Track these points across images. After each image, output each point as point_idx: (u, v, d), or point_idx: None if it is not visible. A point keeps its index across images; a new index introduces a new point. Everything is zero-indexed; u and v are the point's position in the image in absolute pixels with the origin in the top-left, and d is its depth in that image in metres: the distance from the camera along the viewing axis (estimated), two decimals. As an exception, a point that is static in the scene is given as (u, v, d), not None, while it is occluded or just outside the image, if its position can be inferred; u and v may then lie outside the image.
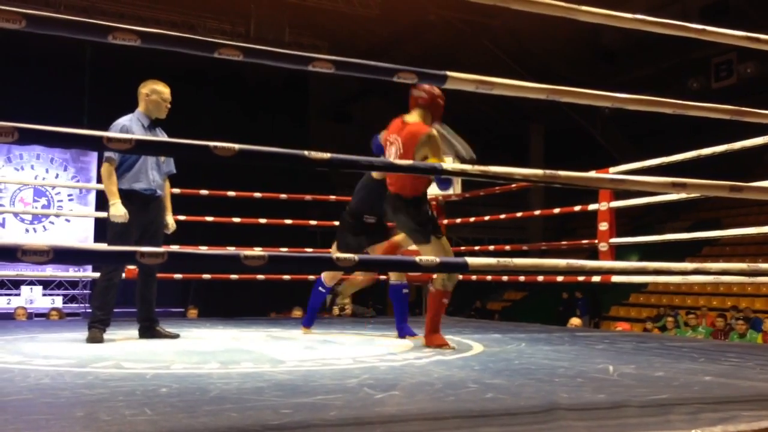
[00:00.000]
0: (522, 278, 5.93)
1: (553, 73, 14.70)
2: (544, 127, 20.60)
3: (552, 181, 1.98)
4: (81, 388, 2.16)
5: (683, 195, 4.68)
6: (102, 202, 13.60)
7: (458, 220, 6.61)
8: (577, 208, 5.18)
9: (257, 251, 1.67)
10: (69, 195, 13.58)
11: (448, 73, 1.90)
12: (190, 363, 2.81)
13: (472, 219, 6.48)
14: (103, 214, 9.55)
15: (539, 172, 1.98)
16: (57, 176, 13.43)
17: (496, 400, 1.99)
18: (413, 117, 3.61)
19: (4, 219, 13.02)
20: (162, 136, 3.89)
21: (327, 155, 1.73)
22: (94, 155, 13.93)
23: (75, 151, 13.87)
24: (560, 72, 15.20)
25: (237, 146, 1.67)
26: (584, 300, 13.72)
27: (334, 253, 3.63)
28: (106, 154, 3.77)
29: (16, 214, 12.99)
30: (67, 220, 13.33)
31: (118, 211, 3.67)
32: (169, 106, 3.94)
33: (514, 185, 5.73)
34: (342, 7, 13.47)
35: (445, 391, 2.16)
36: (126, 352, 3.19)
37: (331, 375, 2.55)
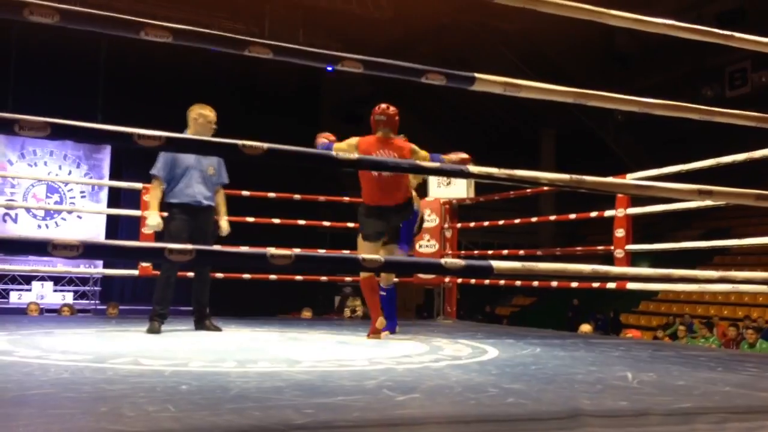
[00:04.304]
0: (536, 283, 5.91)
1: (566, 77, 14.66)
2: (555, 131, 20.57)
3: (578, 187, 1.97)
4: (102, 384, 2.16)
5: (696, 203, 4.67)
6: (113, 199, 13.70)
7: (472, 224, 6.59)
8: (594, 214, 5.16)
9: (284, 251, 1.66)
10: (81, 192, 13.66)
11: (476, 75, 1.90)
12: (207, 361, 2.81)
13: (486, 223, 6.46)
14: (114, 211, 9.52)
15: (565, 176, 1.97)
16: (70, 173, 13.51)
17: (517, 405, 1.98)
18: (389, 135, 4.13)
19: (16, 214, 13.09)
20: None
21: (354, 156, 1.72)
22: (107, 153, 14.02)
23: (88, 149, 13.95)
24: (574, 77, 15.16)
25: (266, 145, 1.67)
26: (605, 321, 13.53)
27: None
28: (152, 171, 4.28)
29: (28, 210, 13.07)
30: (79, 217, 13.40)
31: (151, 221, 4.20)
32: (215, 127, 4.36)
33: (529, 190, 5.72)
34: (356, 8, 13.50)
35: (465, 395, 2.14)
36: (142, 349, 3.20)
37: (349, 376, 2.55)
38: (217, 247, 1.64)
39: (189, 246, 1.59)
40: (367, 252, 3.91)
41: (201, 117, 4.30)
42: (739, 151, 4.23)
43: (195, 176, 4.28)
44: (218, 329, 4.34)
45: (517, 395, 2.14)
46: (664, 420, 1.81)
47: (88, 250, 1.48)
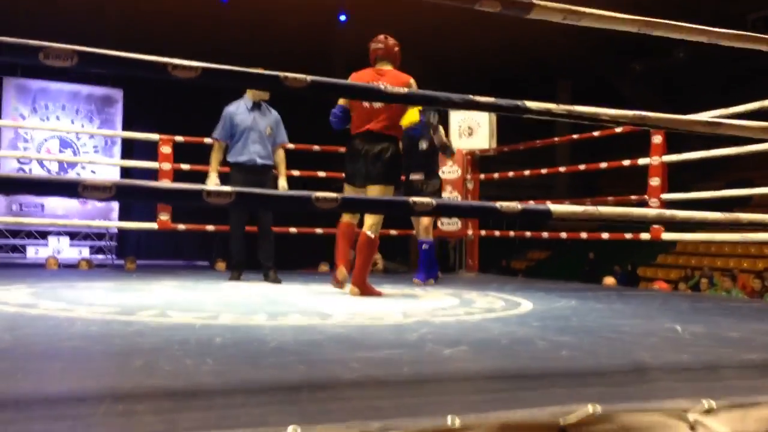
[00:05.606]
0: (564, 234, 5.77)
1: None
2: (571, 85, 20.15)
3: (641, 124, 1.82)
4: (132, 336, 2.06)
5: (720, 152, 4.51)
6: (126, 154, 13.55)
7: (496, 175, 6.43)
8: (627, 162, 4.98)
9: (329, 193, 1.53)
10: (95, 146, 13.55)
11: (534, 1, 1.73)
12: (237, 314, 2.71)
13: (511, 174, 6.30)
14: (129, 163, 9.45)
15: (628, 113, 1.82)
16: (83, 126, 13.38)
17: (574, 359, 1.86)
18: (385, 66, 3.91)
19: (30, 169, 13.02)
20: (268, 113, 4.77)
21: (404, 90, 1.57)
22: (119, 107, 13.86)
23: (100, 103, 13.80)
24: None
25: (309, 78, 1.52)
26: (623, 274, 13.42)
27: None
28: (212, 135, 4.71)
29: (41, 164, 12.99)
30: (93, 172, 13.31)
31: (211, 180, 4.55)
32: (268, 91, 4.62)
33: (556, 138, 5.51)
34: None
35: (514, 348, 2.03)
36: (168, 302, 3.11)
37: (387, 329, 2.44)
38: (258, 190, 1.51)
39: (227, 188, 1.45)
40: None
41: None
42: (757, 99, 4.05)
43: (252, 137, 4.62)
44: (278, 281, 4.54)
45: (569, 348, 2.03)
46: (738, 374, 1.69)
47: (120, 192, 1.35)
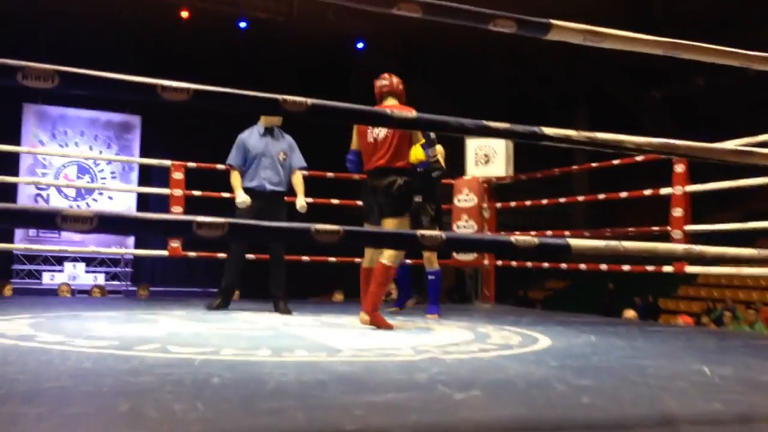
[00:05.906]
0: (583, 266, 5.61)
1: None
2: (590, 114, 20.01)
3: (669, 152, 1.70)
4: (125, 375, 1.94)
5: (747, 182, 4.35)
6: (143, 181, 13.55)
7: (513, 204, 6.30)
8: (648, 191, 4.82)
9: (330, 225, 1.42)
10: (112, 173, 13.58)
11: (552, 21, 1.62)
12: (239, 349, 2.58)
13: (528, 202, 6.17)
14: (145, 189, 9.46)
15: (654, 141, 1.69)
16: (101, 153, 13.42)
17: (596, 408, 1.72)
18: (391, 102, 3.92)
19: (48, 195, 13.06)
20: (282, 138, 4.75)
21: (413, 114, 1.46)
22: (137, 133, 13.90)
23: (118, 129, 13.86)
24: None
25: (310, 101, 1.42)
26: (643, 306, 13.10)
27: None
28: (228, 162, 4.67)
29: (60, 191, 13.03)
30: (110, 198, 13.32)
31: (239, 197, 4.51)
32: (281, 116, 4.50)
33: (575, 167, 5.38)
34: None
35: (531, 393, 1.89)
36: (170, 334, 3.00)
37: (396, 368, 2.31)
38: (253, 222, 1.40)
39: (220, 219, 1.35)
40: None
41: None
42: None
43: (264, 162, 4.60)
44: (289, 312, 4.41)
45: (590, 394, 1.88)
46: (778, 428, 1.54)
47: (102, 223, 1.24)
